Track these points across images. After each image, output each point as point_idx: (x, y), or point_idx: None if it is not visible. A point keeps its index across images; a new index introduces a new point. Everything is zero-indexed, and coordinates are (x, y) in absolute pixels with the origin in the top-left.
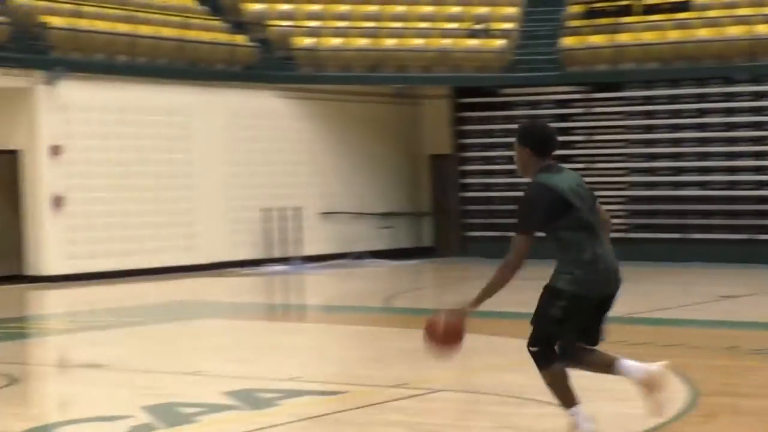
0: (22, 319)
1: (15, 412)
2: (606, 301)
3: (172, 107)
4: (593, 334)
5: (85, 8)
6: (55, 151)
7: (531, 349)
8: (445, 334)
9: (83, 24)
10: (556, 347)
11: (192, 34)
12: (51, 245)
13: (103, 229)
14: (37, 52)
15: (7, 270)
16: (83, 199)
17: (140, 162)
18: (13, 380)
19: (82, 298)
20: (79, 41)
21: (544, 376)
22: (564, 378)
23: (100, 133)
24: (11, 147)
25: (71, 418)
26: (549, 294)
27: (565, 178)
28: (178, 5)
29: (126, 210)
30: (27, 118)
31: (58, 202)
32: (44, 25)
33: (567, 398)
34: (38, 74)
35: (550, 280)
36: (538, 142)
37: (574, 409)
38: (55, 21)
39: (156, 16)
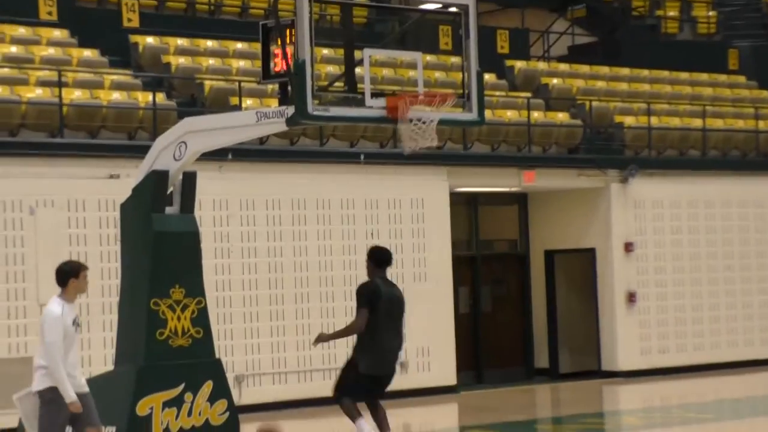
0: (599, 415)
1: None
2: None
3: (744, 199)
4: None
5: (658, 106)
6: (628, 247)
7: None
8: None
9: (656, 122)
10: None
11: (764, 125)
12: (625, 340)
13: (675, 324)
14: (611, 152)
15: (585, 365)
16: (655, 294)
17: (712, 255)
18: None
19: (656, 393)
20: (652, 139)
21: None
22: None
23: (671, 228)
24: (587, 245)
25: None
26: None
27: None
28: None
29: (698, 304)
30: (601, 217)
31: (631, 297)
32: (618, 125)
33: None
34: (612, 173)
35: None
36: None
37: None
38: (629, 120)
39: (727, 109)
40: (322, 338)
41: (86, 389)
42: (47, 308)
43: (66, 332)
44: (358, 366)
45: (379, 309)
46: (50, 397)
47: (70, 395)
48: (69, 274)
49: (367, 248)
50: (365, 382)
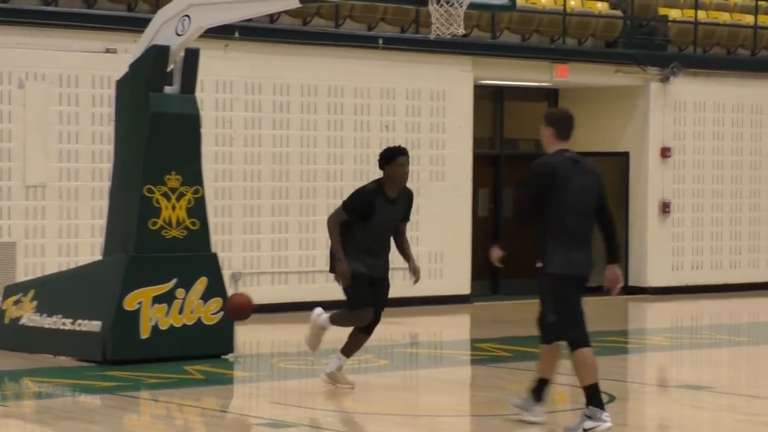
0: (623, 333)
1: None
2: None
3: None
4: None
5: None
6: (665, 153)
7: None
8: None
9: (703, 16)
10: None
11: None
12: (655, 254)
13: (711, 239)
14: (652, 47)
15: None
16: (691, 205)
17: (755, 165)
18: (610, 398)
19: (686, 312)
20: (698, 35)
21: None
22: None
23: (713, 134)
24: (620, 149)
25: None
26: None
27: None
28: None
29: (737, 218)
30: (638, 118)
31: (665, 208)
32: (662, 19)
33: None
34: (652, 71)
35: None
36: None
37: None
38: (674, 13)
39: None
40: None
41: None
42: None
43: None
44: None
45: None
46: None
47: None
48: None
49: (380, 142)
50: None
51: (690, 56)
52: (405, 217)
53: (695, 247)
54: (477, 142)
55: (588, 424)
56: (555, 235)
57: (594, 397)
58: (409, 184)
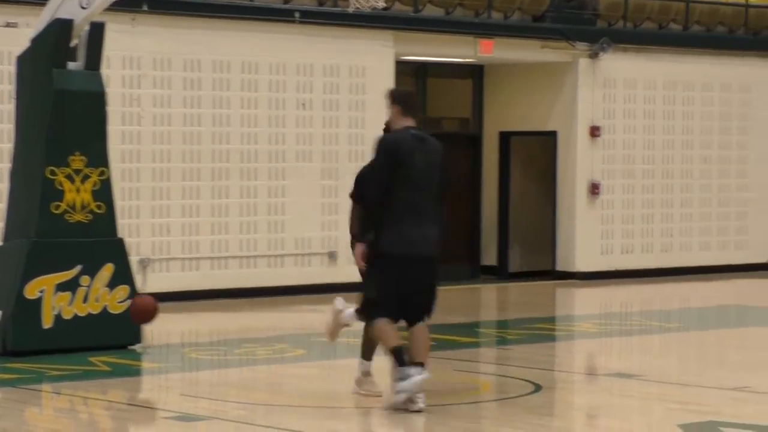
0: (550, 320)
1: (538, 422)
2: None
3: (728, 83)
4: None
5: None
6: (594, 132)
7: None
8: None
9: None
10: None
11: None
12: (584, 238)
13: (642, 221)
14: (581, 22)
15: (538, 264)
16: (621, 186)
17: (687, 145)
18: (537, 387)
19: (616, 298)
20: (628, 9)
21: None
22: None
23: (644, 112)
24: (548, 128)
25: None
26: None
27: None
28: None
29: (668, 200)
30: (566, 96)
31: (594, 189)
32: None
33: None
34: (581, 47)
35: None
36: None
37: None
38: None
39: None
40: None
41: None
42: None
43: None
44: None
45: None
46: None
47: None
48: None
49: (297, 120)
50: None
51: (620, 31)
52: None
53: (625, 230)
54: None
55: (401, 385)
56: (392, 211)
57: (398, 358)
58: (326, 166)
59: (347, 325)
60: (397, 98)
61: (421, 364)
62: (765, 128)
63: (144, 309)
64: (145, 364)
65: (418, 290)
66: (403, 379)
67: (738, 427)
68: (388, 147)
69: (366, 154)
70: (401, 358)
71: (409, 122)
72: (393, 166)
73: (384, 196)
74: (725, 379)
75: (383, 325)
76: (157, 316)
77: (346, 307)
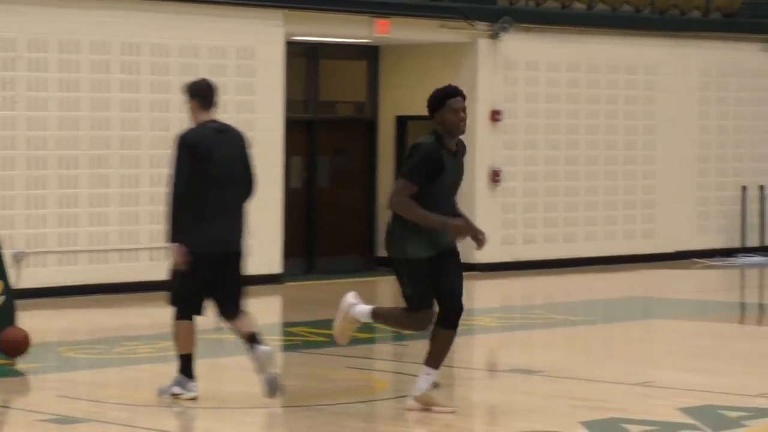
0: None
1: (436, 421)
2: None
3: (634, 64)
4: None
5: None
6: (495, 116)
7: None
8: None
9: None
10: None
11: None
12: (485, 227)
13: (545, 210)
14: (481, 0)
15: None
16: (523, 173)
17: (592, 130)
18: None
19: (518, 290)
20: None
21: None
22: None
23: (547, 96)
24: None
25: (498, 431)
26: None
27: None
28: None
29: (573, 187)
30: (465, 79)
31: (494, 176)
32: None
33: None
34: (481, 26)
35: None
36: None
37: None
38: None
39: None
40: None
41: None
42: None
43: None
44: None
45: None
46: None
47: None
48: None
49: (181, 106)
50: None
51: (522, 10)
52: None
53: (528, 220)
54: (289, 105)
55: (176, 389)
56: (194, 208)
57: (185, 367)
58: None
59: (359, 323)
60: (194, 92)
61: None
62: (672, 112)
63: (14, 342)
64: (20, 365)
65: (223, 286)
66: (177, 384)
67: (641, 424)
68: (188, 144)
69: (255, 141)
70: (190, 367)
71: (208, 116)
72: (194, 163)
73: (186, 194)
74: (630, 375)
75: (184, 326)
76: (29, 350)
77: (359, 301)
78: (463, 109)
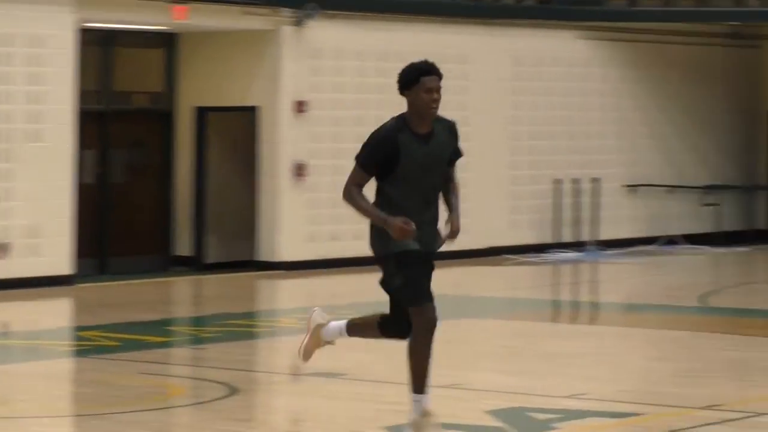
0: (250, 315)
1: (234, 429)
2: None
3: (444, 53)
4: None
5: None
6: (300, 107)
7: None
8: None
9: None
10: None
11: None
12: (288, 224)
13: None
14: None
15: (238, 254)
16: (330, 167)
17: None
18: (234, 390)
19: (323, 289)
20: None
21: None
22: None
23: (355, 86)
24: (248, 103)
25: None
26: None
27: None
28: None
29: None
30: (268, 68)
31: (299, 171)
32: None
33: None
34: (285, 13)
35: None
36: None
37: None
38: None
39: None
40: None
41: None
42: None
43: None
44: None
45: None
46: None
47: None
48: None
49: None
50: None
51: None
52: (455, 154)
53: (334, 216)
54: (82, 96)
55: None
56: None
57: None
58: None
59: (330, 343)
60: None
61: None
62: (485, 103)
63: None
64: None
65: None
66: None
67: (447, 428)
68: None
69: (44, 134)
70: None
71: None
72: None
73: None
74: (437, 377)
75: None
76: None
77: (328, 320)
78: (437, 90)
